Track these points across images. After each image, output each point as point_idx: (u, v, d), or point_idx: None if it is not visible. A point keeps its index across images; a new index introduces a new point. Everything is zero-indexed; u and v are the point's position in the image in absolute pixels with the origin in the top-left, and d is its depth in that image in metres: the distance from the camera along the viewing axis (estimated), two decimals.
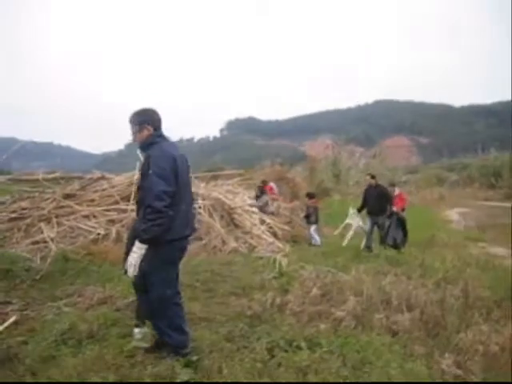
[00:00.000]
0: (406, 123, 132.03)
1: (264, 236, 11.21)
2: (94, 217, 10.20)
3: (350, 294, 6.19)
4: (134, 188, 10.89)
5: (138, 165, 12.00)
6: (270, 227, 12.17)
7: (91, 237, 9.42)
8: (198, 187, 12.14)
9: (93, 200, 10.81)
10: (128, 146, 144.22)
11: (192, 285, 7.04)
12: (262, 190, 15.28)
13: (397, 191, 13.11)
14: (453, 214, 25.54)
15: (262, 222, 12.40)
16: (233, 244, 10.40)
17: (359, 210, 12.31)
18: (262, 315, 5.30)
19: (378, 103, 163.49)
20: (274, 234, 11.88)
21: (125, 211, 10.33)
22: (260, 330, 4.78)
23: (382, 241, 11.35)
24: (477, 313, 5.63)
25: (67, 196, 10.93)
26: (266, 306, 5.60)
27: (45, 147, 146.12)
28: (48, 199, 10.66)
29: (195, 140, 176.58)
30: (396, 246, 10.98)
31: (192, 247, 9.88)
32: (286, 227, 12.51)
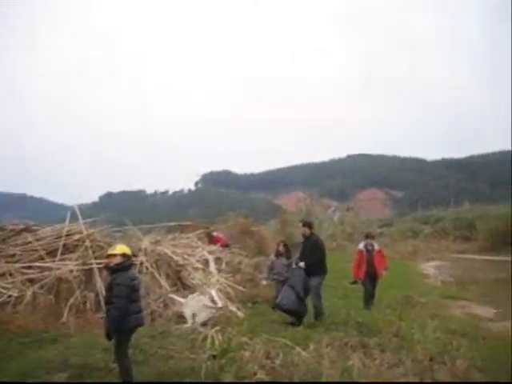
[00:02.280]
0: (379, 177, 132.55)
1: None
2: (11, 275, 8.56)
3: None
4: (62, 241, 9.40)
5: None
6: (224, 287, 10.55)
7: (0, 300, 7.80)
8: (141, 241, 10.55)
9: (13, 255, 9.21)
10: (102, 198, 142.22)
11: (106, 367, 5.46)
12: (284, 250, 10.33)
13: (376, 247, 10.58)
14: (428, 268, 24.31)
15: (217, 281, 10.82)
16: (176, 308, 8.78)
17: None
18: None
19: (350, 157, 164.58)
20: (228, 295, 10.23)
21: (49, 269, 8.71)
22: None
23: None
24: None
25: None
26: None
27: (18, 199, 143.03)
28: None
29: (170, 193, 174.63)
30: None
31: None
32: (241, 287, 10.83)
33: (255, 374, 4.90)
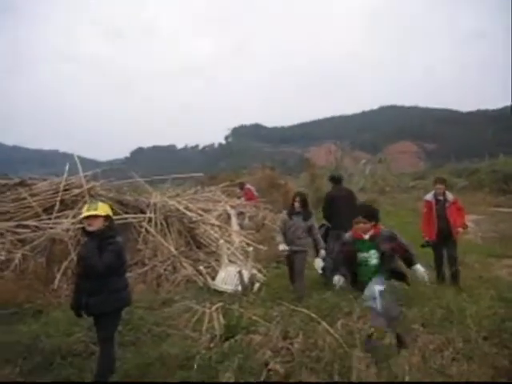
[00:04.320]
0: (411, 129, 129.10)
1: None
2: (1, 235, 7.63)
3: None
4: (59, 197, 8.42)
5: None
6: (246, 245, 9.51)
7: None
8: (150, 195, 9.48)
9: (6, 212, 8.24)
10: (133, 153, 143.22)
11: (85, 351, 4.46)
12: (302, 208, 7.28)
13: (450, 197, 7.98)
14: (467, 222, 22.95)
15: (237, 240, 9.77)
16: (186, 271, 7.74)
17: None
18: None
19: (382, 109, 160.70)
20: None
21: (43, 228, 7.74)
22: None
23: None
24: None
25: None
26: None
27: (50, 155, 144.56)
28: None
29: (200, 147, 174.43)
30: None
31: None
32: (262, 246, 9.67)
33: (267, 364, 3.83)
